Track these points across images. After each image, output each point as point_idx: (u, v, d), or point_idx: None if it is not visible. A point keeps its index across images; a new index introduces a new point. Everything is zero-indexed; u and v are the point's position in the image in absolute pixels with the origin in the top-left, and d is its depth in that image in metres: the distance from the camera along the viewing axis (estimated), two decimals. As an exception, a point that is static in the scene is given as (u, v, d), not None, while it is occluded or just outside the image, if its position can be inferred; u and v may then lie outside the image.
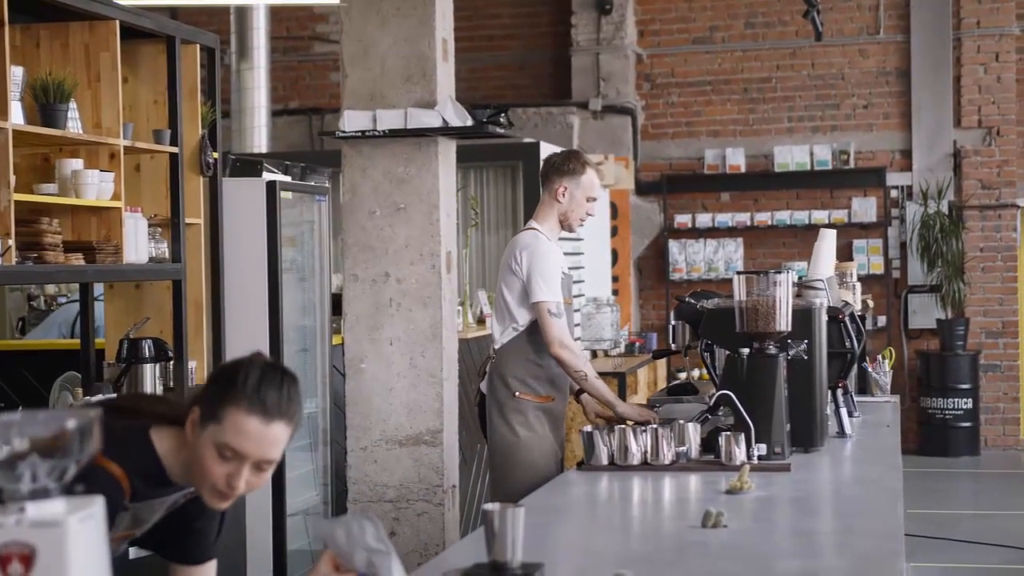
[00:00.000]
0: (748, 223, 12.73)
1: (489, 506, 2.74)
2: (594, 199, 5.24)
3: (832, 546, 3.25)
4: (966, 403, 12.17)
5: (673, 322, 5.20)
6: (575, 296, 9.11)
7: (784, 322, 4.40)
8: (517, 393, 5.10)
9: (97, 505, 1.79)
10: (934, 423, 12.21)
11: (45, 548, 1.71)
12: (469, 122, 5.71)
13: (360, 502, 5.77)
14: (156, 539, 2.82)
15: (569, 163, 5.20)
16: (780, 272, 4.43)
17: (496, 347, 5.18)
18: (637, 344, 10.84)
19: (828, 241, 5.60)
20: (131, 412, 2.71)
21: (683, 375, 12.09)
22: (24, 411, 1.75)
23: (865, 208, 12.59)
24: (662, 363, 11.23)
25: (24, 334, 8.45)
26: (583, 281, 10.30)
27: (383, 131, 5.66)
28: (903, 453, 11.47)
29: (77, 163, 4.96)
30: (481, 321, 8.22)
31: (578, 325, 9.65)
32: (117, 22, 5.11)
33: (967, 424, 12.20)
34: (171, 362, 5.51)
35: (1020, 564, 8.00)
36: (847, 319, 5.08)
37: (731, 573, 2.92)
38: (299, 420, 2.62)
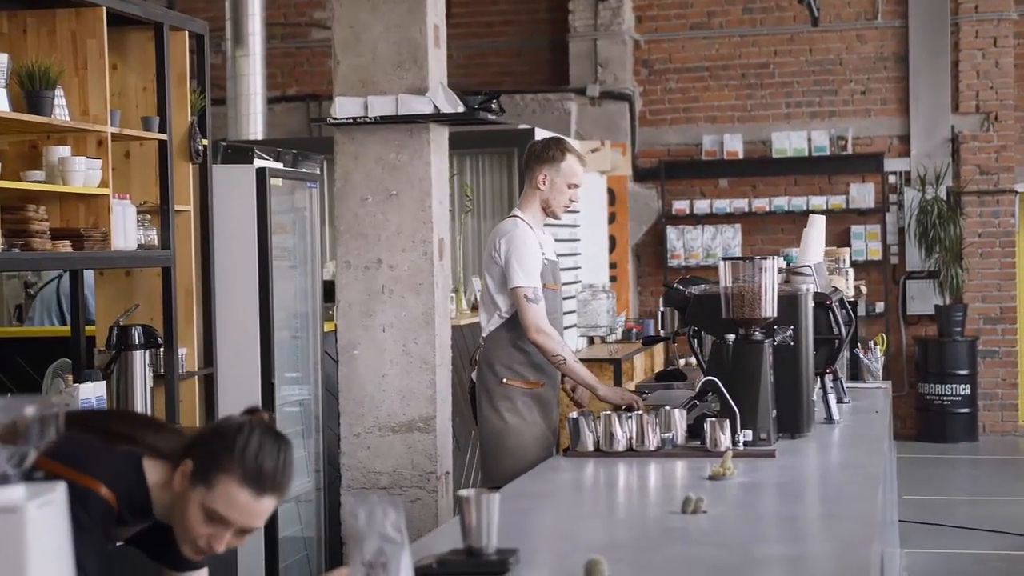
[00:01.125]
0: (746, 209, 12.72)
1: (464, 492, 2.75)
2: (576, 185, 5.25)
3: (808, 531, 3.25)
4: (964, 389, 12.17)
5: (662, 308, 5.20)
6: (565, 283, 9.11)
7: (770, 308, 4.40)
8: (504, 380, 5.13)
9: (58, 491, 1.80)
10: (932, 409, 12.21)
11: (4, 534, 1.71)
12: (460, 108, 5.70)
13: (353, 488, 5.78)
14: (147, 543, 2.82)
15: (549, 150, 5.22)
16: (766, 258, 4.42)
17: (483, 335, 5.22)
18: (634, 331, 10.84)
19: (817, 227, 5.60)
20: (127, 439, 2.68)
21: (682, 361, 12.10)
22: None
23: (863, 194, 12.57)
24: (659, 350, 11.24)
25: (22, 321, 8.47)
26: (580, 268, 10.31)
27: (374, 118, 5.65)
28: (901, 439, 11.51)
29: (64, 150, 4.95)
30: (475, 308, 8.22)
31: (572, 312, 9.66)
32: (104, 9, 5.09)
33: (965, 410, 12.20)
34: (161, 349, 5.51)
35: (1016, 550, 8.01)
36: (835, 305, 5.07)
37: (707, 558, 2.93)
38: (289, 490, 2.63)
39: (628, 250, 12.69)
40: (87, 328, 5.67)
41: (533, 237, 5.12)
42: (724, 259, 4.46)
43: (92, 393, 5.06)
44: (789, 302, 4.55)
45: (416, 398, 5.76)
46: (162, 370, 5.54)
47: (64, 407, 1.85)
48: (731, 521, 3.31)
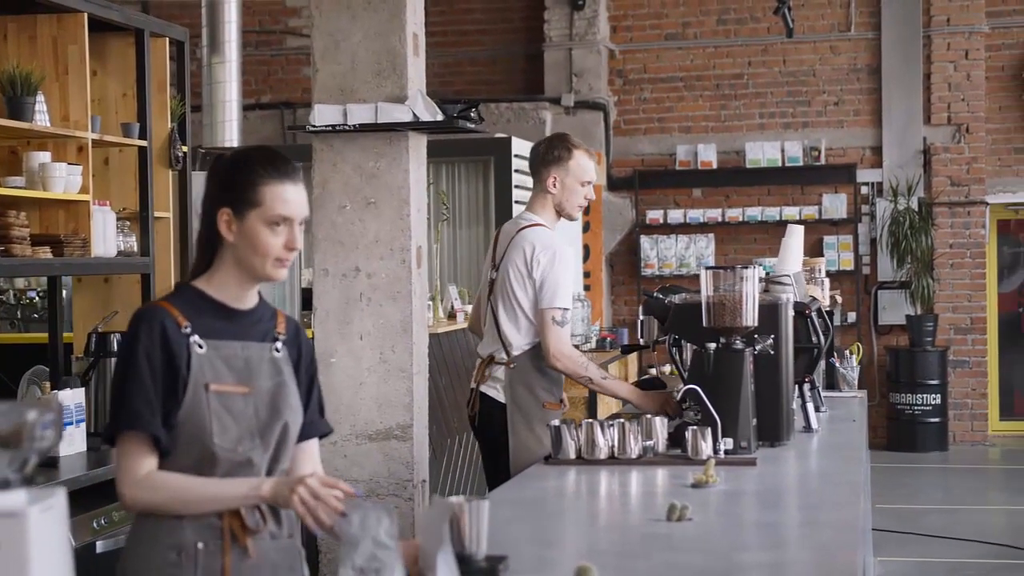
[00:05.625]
0: (720, 219, 12.78)
1: (454, 499, 2.75)
2: (588, 182, 5.04)
3: (793, 538, 3.28)
4: (935, 399, 12.25)
5: (641, 317, 5.20)
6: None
7: (751, 317, 4.42)
8: (546, 403, 4.95)
9: (58, 496, 1.80)
10: (903, 418, 12.28)
11: (6, 539, 1.71)
12: (439, 117, 5.70)
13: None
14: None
15: (554, 150, 5.02)
16: (747, 267, 4.44)
17: (514, 352, 4.96)
18: (609, 339, 10.86)
19: (796, 237, 5.63)
20: None
21: (653, 370, 12.14)
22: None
23: (836, 204, 12.65)
24: (633, 358, 11.28)
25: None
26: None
27: (353, 125, 5.65)
28: (872, 448, 11.57)
29: (45, 156, 4.94)
30: (452, 316, 8.23)
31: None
32: (85, 15, 5.09)
33: (936, 420, 12.28)
34: (139, 356, 5.49)
35: (987, 559, 8.06)
36: (814, 314, 5.10)
37: (694, 565, 2.94)
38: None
39: (602, 259, 12.72)
40: (65, 335, 5.65)
41: (571, 252, 4.98)
42: (706, 268, 4.48)
43: (71, 400, 5.02)
44: (769, 311, 4.57)
45: (393, 406, 5.75)
46: (141, 377, 5.52)
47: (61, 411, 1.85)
48: (716, 528, 3.33)
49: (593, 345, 10.53)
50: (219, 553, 2.75)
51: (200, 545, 2.74)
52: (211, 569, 2.74)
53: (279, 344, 2.91)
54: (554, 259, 4.89)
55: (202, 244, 2.88)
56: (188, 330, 2.78)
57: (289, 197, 2.82)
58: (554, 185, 5.03)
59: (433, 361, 6.26)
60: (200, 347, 2.78)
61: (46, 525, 1.76)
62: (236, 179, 2.84)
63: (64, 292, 7.36)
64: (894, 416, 12.35)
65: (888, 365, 12.50)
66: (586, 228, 12.25)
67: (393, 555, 2.59)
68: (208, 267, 2.87)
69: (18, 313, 8.83)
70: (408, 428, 5.74)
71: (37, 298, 8.88)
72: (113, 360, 5.35)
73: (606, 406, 9.55)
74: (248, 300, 2.90)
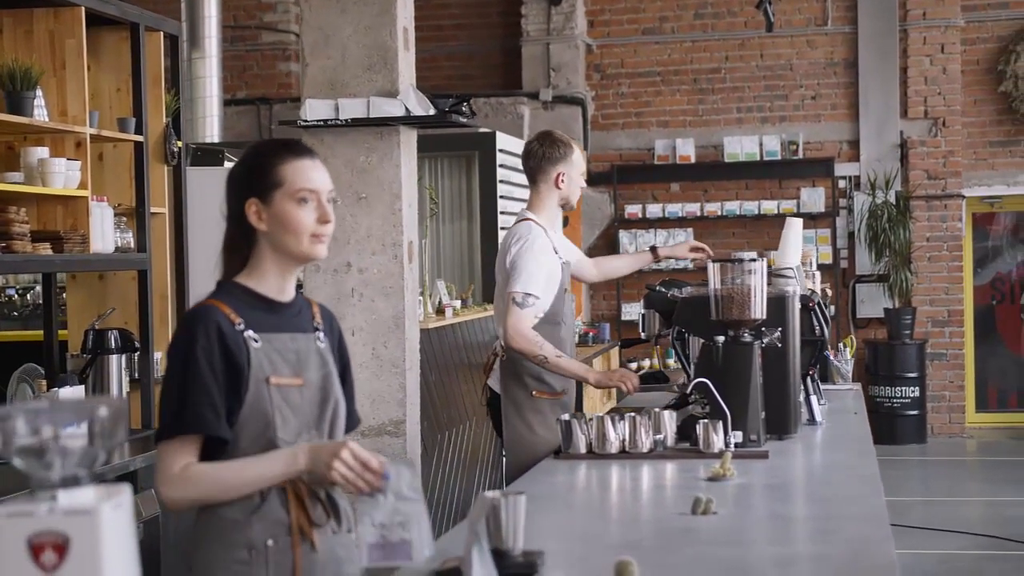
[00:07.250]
0: (698, 213, 12.79)
1: (491, 494, 2.73)
2: (583, 171, 5.22)
3: (822, 531, 3.26)
4: (913, 391, 12.31)
5: (643, 311, 5.20)
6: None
7: (759, 310, 4.42)
8: (534, 392, 5.04)
9: (125, 494, 1.77)
10: (882, 411, 12.32)
11: (78, 536, 1.69)
12: (432, 111, 5.68)
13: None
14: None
15: (558, 148, 5.15)
16: (755, 260, 4.44)
17: (504, 345, 5.07)
18: (591, 335, 10.86)
19: (795, 229, 5.64)
20: None
21: (633, 365, 12.14)
22: (53, 399, 1.73)
23: (814, 198, 12.68)
24: (615, 353, 11.28)
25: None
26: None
27: (345, 120, 5.62)
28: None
29: (43, 151, 4.89)
30: (440, 311, 8.20)
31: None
32: (83, 9, 5.03)
33: (914, 412, 12.34)
34: (137, 353, 5.45)
35: (976, 550, 8.10)
36: (816, 306, 5.11)
37: (728, 558, 2.93)
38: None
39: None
40: (59, 332, 5.59)
41: (547, 243, 5.06)
42: (714, 261, 4.48)
43: (72, 398, 4.98)
44: (777, 304, 4.57)
45: (386, 402, 5.73)
46: (138, 374, 5.47)
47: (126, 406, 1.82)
48: (743, 522, 3.32)
49: (575, 340, 10.53)
50: (289, 549, 2.73)
51: (270, 542, 2.72)
52: (282, 566, 2.72)
53: (321, 334, 2.91)
54: (523, 246, 4.98)
55: (232, 246, 2.86)
56: (242, 326, 2.77)
57: (309, 172, 2.82)
58: (562, 181, 5.13)
59: (423, 356, 6.24)
60: (255, 341, 2.77)
61: (116, 522, 1.73)
62: (254, 168, 2.84)
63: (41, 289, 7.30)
64: (873, 409, 12.34)
65: (866, 358, 12.54)
66: (565, 223, 12.18)
67: (418, 507, 2.58)
68: (244, 265, 2.85)
69: (-4, 311, 8.76)
70: (401, 424, 5.72)
71: (16, 296, 8.81)
72: (111, 357, 5.31)
73: (591, 400, 9.55)
74: (288, 292, 2.88)
